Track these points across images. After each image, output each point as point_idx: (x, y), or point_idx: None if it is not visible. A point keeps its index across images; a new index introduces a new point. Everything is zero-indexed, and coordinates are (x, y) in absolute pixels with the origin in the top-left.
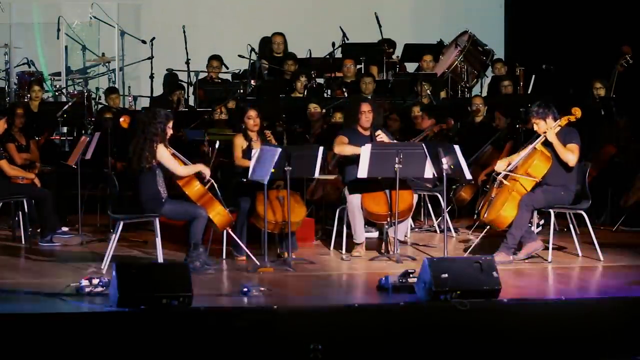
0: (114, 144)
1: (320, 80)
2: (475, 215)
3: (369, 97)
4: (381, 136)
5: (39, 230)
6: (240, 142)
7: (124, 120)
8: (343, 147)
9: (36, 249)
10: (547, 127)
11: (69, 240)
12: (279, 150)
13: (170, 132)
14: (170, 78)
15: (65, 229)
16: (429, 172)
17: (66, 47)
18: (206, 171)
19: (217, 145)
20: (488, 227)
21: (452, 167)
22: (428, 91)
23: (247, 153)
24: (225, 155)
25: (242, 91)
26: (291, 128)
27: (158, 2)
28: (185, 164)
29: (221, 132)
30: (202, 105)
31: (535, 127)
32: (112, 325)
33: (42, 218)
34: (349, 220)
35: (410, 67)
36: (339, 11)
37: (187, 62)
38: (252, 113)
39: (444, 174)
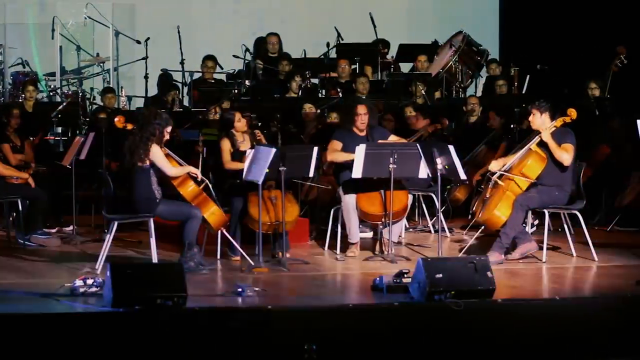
0: (109, 144)
1: (315, 81)
2: (470, 216)
3: (365, 98)
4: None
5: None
6: (227, 147)
7: (118, 120)
8: (335, 155)
9: (33, 249)
10: (542, 125)
11: (47, 241)
12: (274, 150)
13: (167, 136)
14: (165, 78)
15: (53, 230)
16: (424, 172)
17: (61, 47)
18: (196, 173)
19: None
20: (482, 227)
21: (446, 167)
22: (422, 91)
23: (235, 156)
24: (214, 157)
25: (236, 91)
26: (285, 128)
27: (153, 2)
28: (179, 164)
29: (216, 132)
30: (196, 105)
31: (530, 118)
32: (107, 325)
33: (30, 216)
34: (343, 221)
35: (405, 67)
36: (333, 11)
37: (182, 63)
38: (237, 116)
39: (439, 174)
